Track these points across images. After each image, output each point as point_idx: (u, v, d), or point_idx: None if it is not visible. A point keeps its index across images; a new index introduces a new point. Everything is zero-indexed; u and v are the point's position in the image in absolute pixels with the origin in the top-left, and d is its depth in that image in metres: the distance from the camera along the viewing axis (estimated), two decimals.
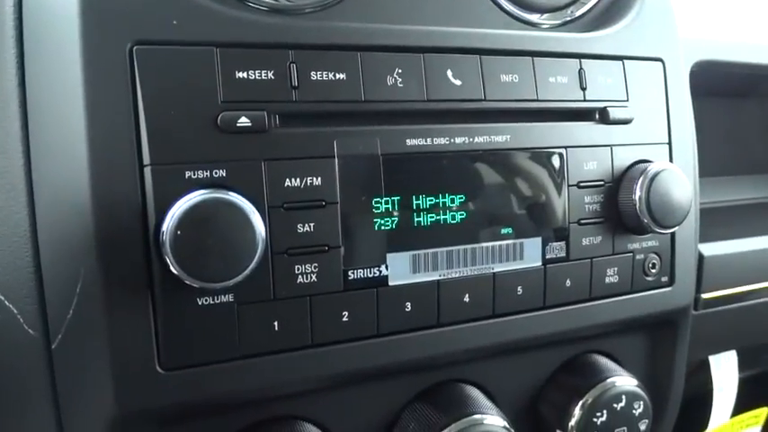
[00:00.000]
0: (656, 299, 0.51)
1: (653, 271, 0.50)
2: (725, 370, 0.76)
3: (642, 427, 0.50)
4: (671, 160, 0.50)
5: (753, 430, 0.85)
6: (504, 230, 0.44)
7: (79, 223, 0.34)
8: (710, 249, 0.65)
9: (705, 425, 0.76)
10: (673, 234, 0.51)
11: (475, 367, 0.47)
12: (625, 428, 0.49)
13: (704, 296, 0.66)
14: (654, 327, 0.54)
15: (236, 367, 0.37)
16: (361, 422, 0.44)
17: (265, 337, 0.38)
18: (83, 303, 0.35)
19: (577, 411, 0.48)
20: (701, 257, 0.63)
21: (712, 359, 0.75)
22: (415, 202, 0.41)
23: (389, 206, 0.40)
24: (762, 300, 0.72)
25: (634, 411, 0.50)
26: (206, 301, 0.36)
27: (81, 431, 0.37)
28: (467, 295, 0.43)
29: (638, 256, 0.49)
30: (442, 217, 0.42)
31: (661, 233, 0.48)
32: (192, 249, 0.33)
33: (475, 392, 0.47)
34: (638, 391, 0.50)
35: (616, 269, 0.48)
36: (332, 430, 0.43)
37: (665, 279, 0.51)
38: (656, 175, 0.46)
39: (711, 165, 0.81)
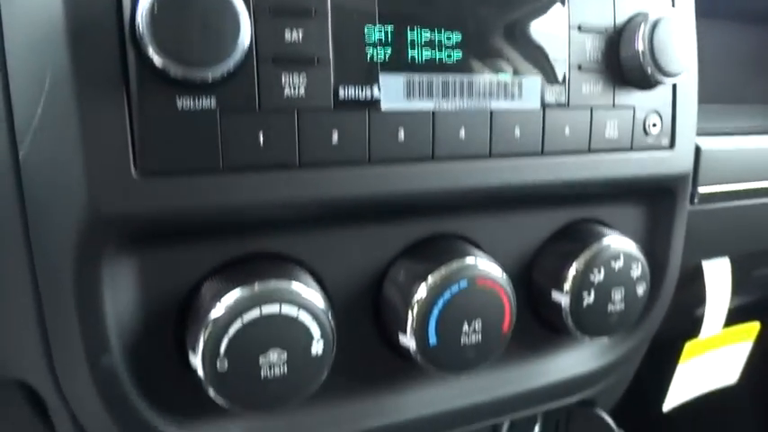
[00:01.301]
0: (655, 161, 0.49)
1: (653, 131, 0.49)
2: (718, 277, 0.75)
3: (639, 291, 0.49)
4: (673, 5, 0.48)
5: (744, 345, 0.84)
6: (502, 68, 0.42)
7: (45, 8, 0.32)
8: (708, 143, 0.64)
9: (697, 332, 0.75)
10: (674, 94, 0.49)
11: (468, 222, 0.45)
12: (623, 288, 0.48)
13: (701, 190, 0.65)
14: (652, 196, 0.52)
15: (217, 181, 0.35)
16: (349, 269, 0.42)
17: (249, 152, 0.35)
18: (52, 101, 0.33)
19: (573, 269, 0.47)
20: (698, 150, 0.62)
21: (706, 265, 0.74)
22: (409, 32, 0.39)
23: (382, 34, 0.38)
24: (758, 201, 0.71)
25: (632, 273, 0.48)
26: (186, 104, 0.34)
27: (51, 243, 0.35)
28: (462, 130, 0.41)
29: (638, 113, 0.47)
30: (437, 55, 0.40)
31: (664, 82, 0.46)
32: (172, 28, 0.31)
33: (468, 245, 0.45)
34: (637, 253, 0.49)
35: (616, 123, 0.47)
36: (320, 274, 0.41)
37: (665, 141, 0.49)
38: (658, 21, 0.44)
39: (713, 91, 0.80)
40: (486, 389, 0.49)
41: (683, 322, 0.77)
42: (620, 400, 0.65)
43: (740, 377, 0.97)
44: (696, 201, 0.66)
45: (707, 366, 0.81)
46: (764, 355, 1.23)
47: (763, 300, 0.95)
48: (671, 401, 0.78)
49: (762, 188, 0.71)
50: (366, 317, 0.44)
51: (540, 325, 0.51)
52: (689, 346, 0.75)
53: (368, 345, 0.45)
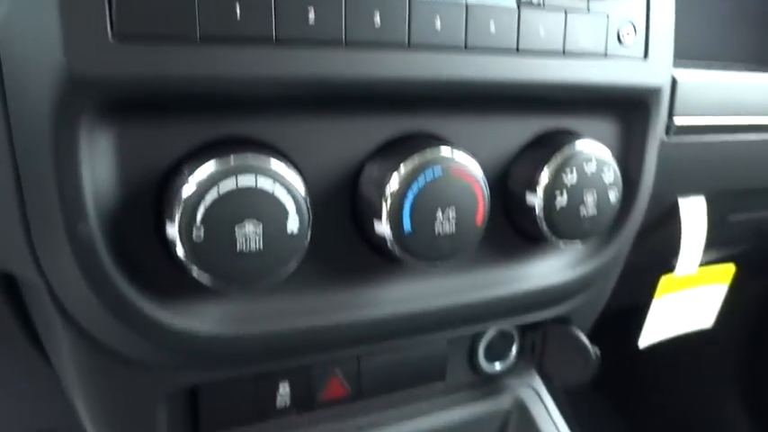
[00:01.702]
0: (629, 70, 0.50)
1: (627, 40, 0.50)
2: (694, 215, 0.76)
3: (612, 197, 0.50)
4: None
5: (719, 287, 0.86)
6: None
7: None
8: (685, 75, 0.65)
9: (673, 268, 0.77)
10: (648, 6, 0.50)
11: (445, 123, 0.46)
12: (595, 191, 0.49)
13: (677, 122, 0.67)
14: (626, 110, 0.53)
15: (193, 51, 0.35)
16: (326, 161, 0.43)
17: (226, 23, 0.36)
18: None
19: (547, 171, 0.48)
20: (674, 81, 0.63)
21: (682, 202, 0.76)
22: None
23: None
24: (734, 137, 0.72)
25: (604, 178, 0.50)
26: None
27: (29, 110, 0.35)
28: (438, 20, 0.41)
29: (612, 21, 0.48)
30: None
31: None
32: None
33: (445, 143, 0.46)
34: (610, 159, 0.50)
35: (590, 29, 0.47)
36: (297, 164, 0.42)
37: (639, 52, 0.50)
38: None
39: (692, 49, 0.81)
40: (462, 290, 0.50)
41: (659, 258, 0.78)
42: (595, 335, 0.66)
43: (716, 323, 0.99)
44: (672, 132, 0.67)
45: (682, 306, 0.82)
46: (740, 301, 1.26)
47: (739, 244, 0.97)
48: (646, 338, 0.79)
49: (738, 124, 0.72)
50: (343, 213, 0.45)
51: (516, 234, 0.52)
52: (664, 280, 0.77)
53: (345, 240, 0.45)
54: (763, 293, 1.39)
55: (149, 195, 0.38)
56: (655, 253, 0.82)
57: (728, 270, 0.85)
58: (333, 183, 0.44)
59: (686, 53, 0.73)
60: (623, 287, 0.72)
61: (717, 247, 0.90)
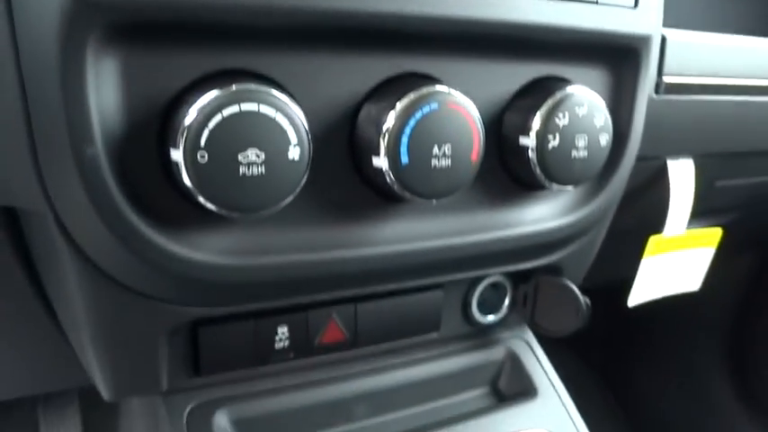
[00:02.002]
0: (618, 17, 0.51)
1: None
2: (682, 176, 0.78)
3: (602, 141, 0.51)
4: None
5: (706, 250, 0.88)
6: None
7: None
8: (675, 34, 0.66)
9: (661, 228, 0.79)
10: None
11: (442, 65, 0.47)
12: (586, 135, 0.50)
13: (665, 80, 0.68)
14: (616, 57, 0.54)
15: None
16: (324, 97, 0.44)
17: None
18: None
19: (539, 114, 0.49)
20: (663, 40, 0.64)
21: (670, 164, 0.78)
22: None
23: None
24: (722, 98, 0.74)
25: (595, 122, 0.51)
26: None
27: (36, 33, 0.36)
28: None
29: None
30: None
31: None
32: None
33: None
34: (601, 103, 0.51)
35: None
36: (298, 99, 0.43)
37: (629, 0, 0.52)
38: None
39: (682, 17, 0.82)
40: (456, 232, 0.51)
41: (648, 220, 0.80)
42: (585, 292, 0.68)
43: (703, 294, 1.01)
44: (661, 90, 0.69)
45: (670, 267, 0.84)
46: (728, 272, 1.29)
47: (726, 211, 1.00)
48: (635, 297, 0.81)
49: (726, 85, 0.74)
50: (341, 151, 0.46)
51: (510, 180, 0.53)
52: (653, 240, 0.78)
53: (343, 178, 0.47)
54: (751, 265, 1.42)
55: (154, 123, 0.39)
56: (644, 215, 0.83)
57: (715, 234, 0.87)
58: (331, 120, 0.45)
59: (687, 24, 0.74)
60: (612, 247, 0.74)
61: (704, 214, 0.92)
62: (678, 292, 0.88)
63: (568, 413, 0.61)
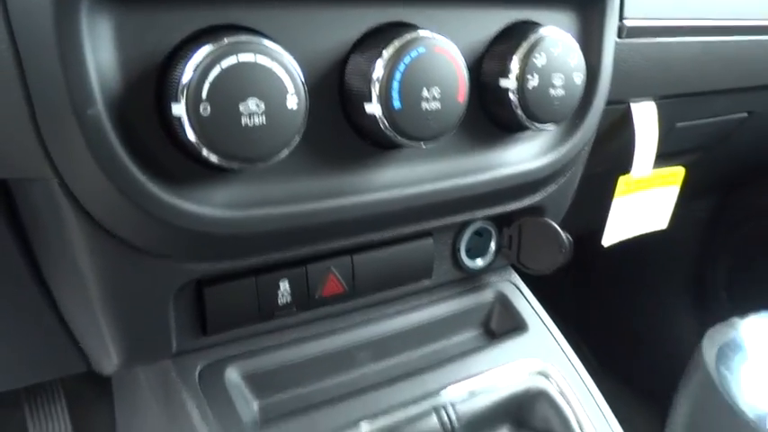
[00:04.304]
0: None
1: None
2: (645, 118, 0.82)
3: (577, 80, 0.54)
4: None
5: (671, 189, 0.93)
6: None
7: None
8: None
9: (629, 168, 0.83)
10: None
11: (421, 12, 0.49)
12: (562, 74, 0.53)
13: (627, 24, 0.71)
14: (584, 3, 0.57)
15: None
16: (313, 49, 0.45)
17: None
18: None
19: (518, 55, 0.51)
20: None
21: (634, 107, 0.81)
22: None
23: None
24: (684, 39, 0.78)
25: (569, 61, 0.53)
26: None
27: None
28: None
29: None
30: None
31: None
32: None
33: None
34: (573, 42, 0.53)
35: None
36: (290, 51, 0.44)
37: None
38: None
39: None
40: (445, 176, 0.53)
41: (616, 161, 0.83)
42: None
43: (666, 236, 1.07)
44: (623, 34, 0.71)
45: (640, 207, 0.89)
46: (690, 205, 1.35)
47: (687, 152, 1.05)
48: (609, 236, 0.85)
49: (686, 27, 0.78)
50: (333, 102, 0.47)
51: (492, 124, 0.56)
52: (622, 181, 0.82)
53: (337, 129, 0.48)
54: (713, 205, 1.49)
55: (152, 81, 0.40)
56: (612, 159, 0.87)
57: (679, 173, 0.92)
58: (320, 72, 0.46)
59: None
60: (586, 193, 0.77)
61: (667, 156, 0.96)
62: (648, 231, 0.92)
63: (558, 343, 0.65)
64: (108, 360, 0.54)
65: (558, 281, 0.81)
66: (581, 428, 0.58)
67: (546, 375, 0.61)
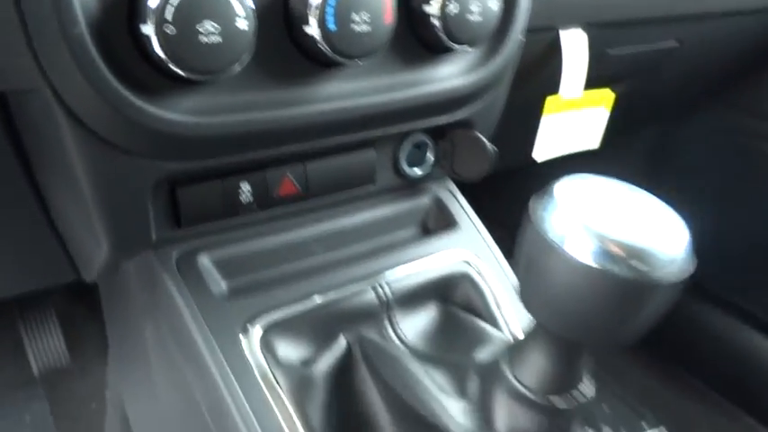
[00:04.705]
0: None
1: None
2: (574, 45, 0.91)
3: (493, 6, 0.63)
4: None
5: (601, 110, 1.03)
6: None
7: None
8: None
9: (556, 90, 0.92)
10: None
11: None
12: (480, 2, 0.62)
13: None
14: None
15: None
16: None
17: None
18: None
19: None
20: None
21: (562, 33, 0.90)
22: None
23: None
24: None
25: None
26: None
27: None
28: None
29: None
30: None
31: None
32: None
33: None
34: None
35: None
36: None
37: None
38: None
39: None
40: (380, 90, 0.63)
41: (549, 84, 0.93)
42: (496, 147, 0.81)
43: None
44: None
45: (569, 126, 0.99)
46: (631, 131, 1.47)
47: (620, 77, 1.14)
48: (539, 152, 0.96)
49: None
50: (279, 24, 0.56)
51: (421, 46, 0.65)
52: (550, 100, 0.92)
53: (284, 50, 0.57)
54: (652, 133, 1.61)
55: (124, 5, 0.49)
56: (544, 84, 0.97)
57: (608, 95, 1.02)
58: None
59: None
60: (513, 113, 0.87)
61: (599, 82, 1.06)
62: (580, 150, 1.03)
63: (483, 239, 0.76)
64: (98, 253, 0.65)
65: (489, 186, 0.92)
66: (496, 303, 0.70)
67: (469, 262, 0.72)
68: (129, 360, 0.81)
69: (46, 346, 1.50)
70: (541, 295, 0.40)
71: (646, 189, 0.43)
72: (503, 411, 0.47)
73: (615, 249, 0.36)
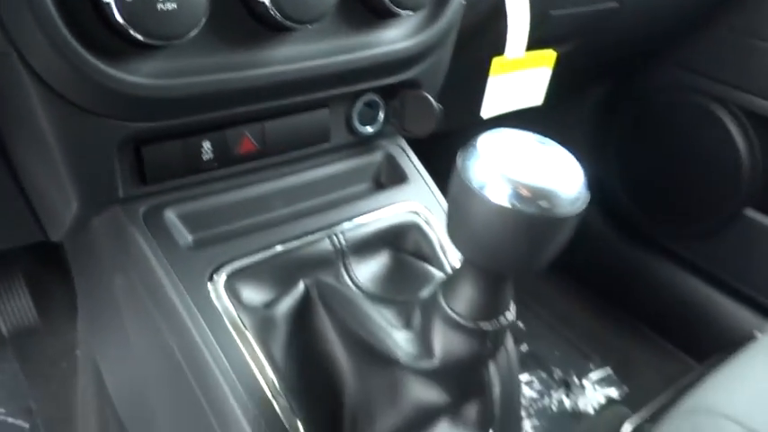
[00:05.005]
0: None
1: None
2: (516, 5, 0.96)
3: None
4: None
5: (544, 69, 1.09)
6: None
7: None
8: None
9: (501, 51, 0.98)
10: None
11: None
12: None
13: None
14: None
15: None
16: None
17: None
18: None
19: None
20: None
21: None
22: None
23: None
24: None
25: None
26: None
27: None
28: None
29: None
30: None
31: None
32: None
33: None
34: None
35: None
36: None
37: None
38: None
39: None
40: (331, 52, 0.67)
41: (494, 45, 0.98)
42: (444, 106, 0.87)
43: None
44: None
45: (515, 84, 1.05)
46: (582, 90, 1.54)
47: (564, 38, 1.20)
48: (487, 110, 1.02)
49: None
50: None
51: (368, 11, 0.69)
52: (496, 61, 0.98)
53: (237, 15, 0.61)
54: (602, 92, 1.68)
55: None
56: (490, 45, 1.02)
57: (550, 55, 1.08)
58: None
59: None
60: (460, 72, 0.92)
61: (543, 43, 1.12)
62: (525, 107, 1.10)
63: (432, 192, 0.82)
64: (66, 212, 0.68)
65: (444, 144, 0.97)
66: (442, 249, 0.76)
67: (418, 213, 0.79)
68: (100, 314, 0.86)
69: (14, 307, 1.52)
70: (466, 233, 0.46)
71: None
72: (440, 337, 0.54)
73: (525, 192, 0.43)
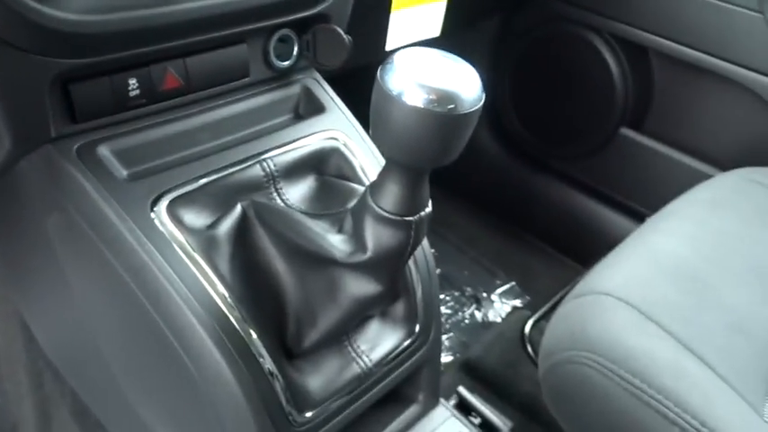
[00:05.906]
0: None
1: None
2: None
3: None
4: None
5: (438, 5, 1.18)
6: None
7: None
8: None
9: None
10: None
11: None
12: None
13: None
14: None
15: None
16: None
17: None
18: None
19: None
20: None
21: None
22: None
23: None
24: None
25: None
26: None
27: None
28: None
29: None
30: None
31: None
32: None
33: None
34: None
35: None
36: None
37: None
38: None
39: None
40: None
41: None
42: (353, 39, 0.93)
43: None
44: None
45: (415, 18, 1.13)
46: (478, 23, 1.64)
47: None
48: (391, 42, 1.10)
49: None
50: None
51: None
52: None
53: None
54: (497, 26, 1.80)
55: None
56: None
57: None
58: None
59: None
60: (376, 11, 0.99)
61: None
62: (424, 38, 1.18)
63: (348, 119, 0.90)
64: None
65: (358, 79, 1.05)
66: (362, 170, 0.85)
67: (337, 139, 0.86)
68: (25, 263, 0.87)
69: None
70: (389, 135, 0.54)
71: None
72: (371, 232, 0.63)
73: (435, 96, 0.52)
